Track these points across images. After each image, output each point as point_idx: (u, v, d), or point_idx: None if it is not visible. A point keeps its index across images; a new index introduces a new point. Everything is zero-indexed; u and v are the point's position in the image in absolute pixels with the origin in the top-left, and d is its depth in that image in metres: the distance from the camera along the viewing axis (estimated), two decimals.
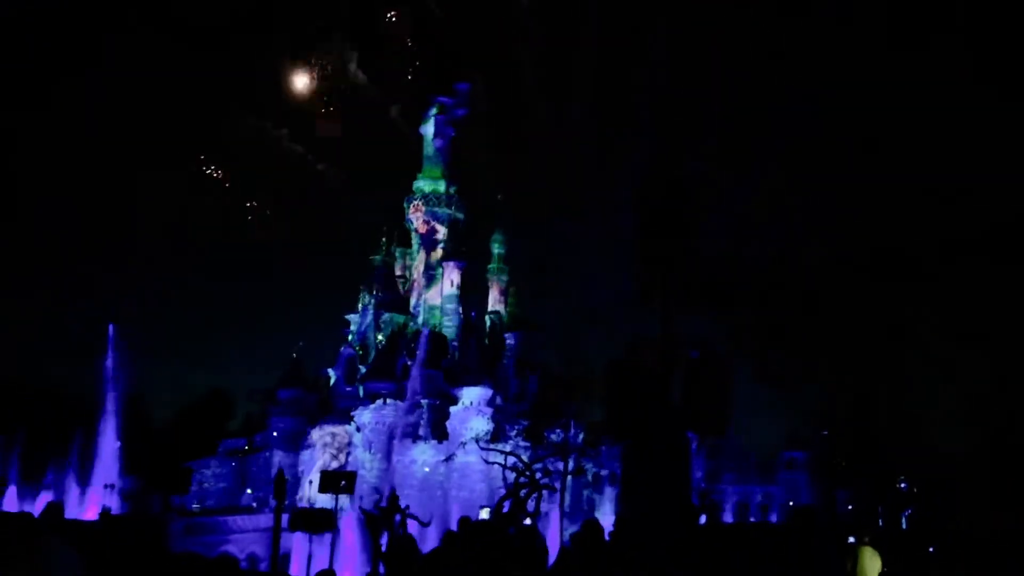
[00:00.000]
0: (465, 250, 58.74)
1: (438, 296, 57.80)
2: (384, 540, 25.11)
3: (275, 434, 53.25)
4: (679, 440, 13.44)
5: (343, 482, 22.39)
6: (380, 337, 56.53)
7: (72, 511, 39.92)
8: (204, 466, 53.11)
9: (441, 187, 58.97)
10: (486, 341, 57.80)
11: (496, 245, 61.14)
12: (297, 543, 37.79)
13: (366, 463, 49.39)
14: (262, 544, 43.16)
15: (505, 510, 30.13)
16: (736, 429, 50.96)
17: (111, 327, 47.78)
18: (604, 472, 50.69)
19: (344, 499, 29.67)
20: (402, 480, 49.04)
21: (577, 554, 8.93)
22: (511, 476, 37.99)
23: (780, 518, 50.22)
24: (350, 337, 57.65)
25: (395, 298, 58.20)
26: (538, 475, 37.73)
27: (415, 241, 59.19)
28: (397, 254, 59.85)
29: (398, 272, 59.53)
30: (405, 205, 59.29)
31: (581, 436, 49.39)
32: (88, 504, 44.10)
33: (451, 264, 57.68)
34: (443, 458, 49.99)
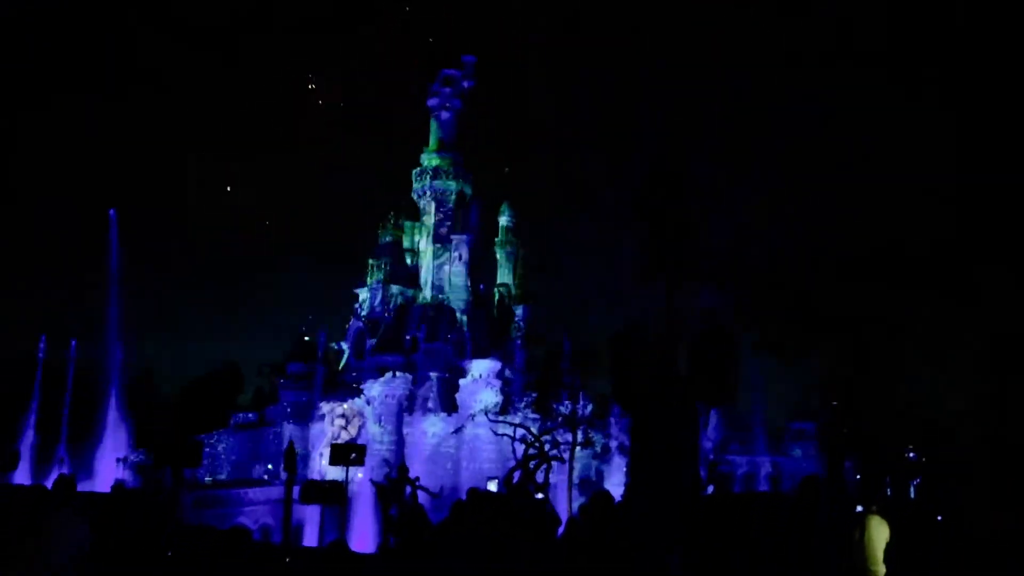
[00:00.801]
0: (473, 223, 58.68)
1: (446, 270, 57.85)
2: (394, 511, 25.32)
3: (285, 407, 53.58)
4: (687, 411, 13.45)
5: (353, 454, 22.56)
6: (389, 311, 56.67)
7: (84, 485, 40.29)
8: (215, 439, 53.50)
9: (448, 160, 58.82)
10: (494, 314, 57.91)
11: (504, 218, 61.07)
12: (309, 515, 38.17)
13: (376, 436, 49.69)
14: (274, 516, 43.58)
15: (514, 481, 30.32)
16: (743, 400, 51.10)
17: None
18: (613, 443, 50.91)
19: (354, 471, 29.87)
20: (412, 452, 49.37)
21: (586, 525, 8.97)
22: (520, 448, 38.22)
23: (788, 488, 50.41)
24: (358, 310, 57.81)
25: (403, 272, 58.28)
26: (547, 447, 37.91)
27: (423, 214, 59.14)
28: (405, 228, 59.83)
29: (406, 246, 59.55)
30: (412, 178, 59.21)
31: (589, 408, 49.56)
32: (100, 477, 44.52)
33: (459, 237, 57.67)
34: (452, 430, 50.28)
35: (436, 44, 58.92)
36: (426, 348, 53.66)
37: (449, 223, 58.10)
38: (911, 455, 48.90)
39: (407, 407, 51.67)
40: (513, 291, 59.16)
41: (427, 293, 57.58)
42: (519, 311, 57.80)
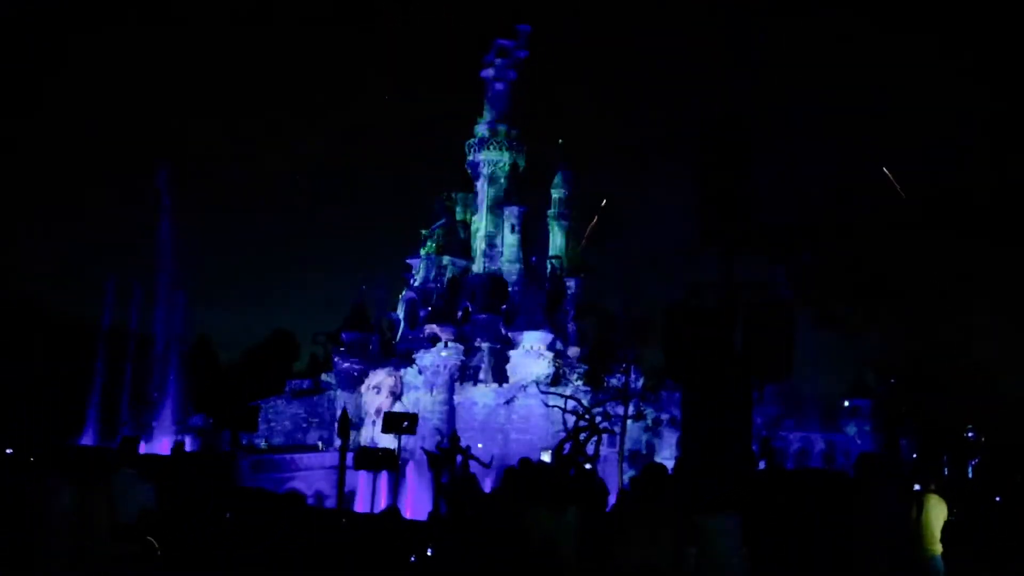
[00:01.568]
0: (526, 195, 58.55)
1: (499, 241, 57.89)
2: (445, 479, 25.60)
3: (339, 375, 54.33)
4: (740, 386, 13.32)
5: (405, 423, 22.84)
6: (441, 282, 56.97)
7: (146, 447, 41.40)
8: (271, 405, 54.50)
9: (502, 131, 58.63)
10: (547, 286, 57.87)
11: (557, 190, 60.81)
12: (362, 481, 38.76)
13: (427, 405, 50.17)
14: (328, 481, 44.35)
15: (564, 452, 30.42)
16: (798, 376, 50.45)
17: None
18: (664, 416, 50.74)
19: (407, 439, 30.24)
20: (463, 422, 49.78)
21: (637, 496, 8.97)
22: (571, 420, 38.29)
23: (841, 466, 49.84)
24: (411, 281, 58.20)
25: (456, 243, 58.44)
26: (598, 419, 37.90)
27: (476, 185, 59.15)
28: (458, 198, 59.92)
29: (459, 217, 59.67)
30: (466, 149, 59.18)
31: (641, 381, 49.41)
32: (161, 440, 45.70)
33: (512, 208, 57.60)
34: (503, 401, 50.53)
35: (491, 13, 58.67)
36: (477, 319, 53.88)
37: (502, 194, 58.04)
38: (970, 435, 47.95)
39: (458, 377, 52.04)
40: (565, 263, 59.00)
41: (479, 264, 57.73)
42: (571, 283, 57.64)
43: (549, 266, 59.19)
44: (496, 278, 56.23)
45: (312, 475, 47.82)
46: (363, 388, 53.81)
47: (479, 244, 58.36)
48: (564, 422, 39.50)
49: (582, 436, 34.64)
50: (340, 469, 25.04)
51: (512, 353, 52.02)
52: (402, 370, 53.01)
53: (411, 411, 35.90)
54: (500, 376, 52.16)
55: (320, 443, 51.93)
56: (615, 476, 38.32)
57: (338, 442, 30.20)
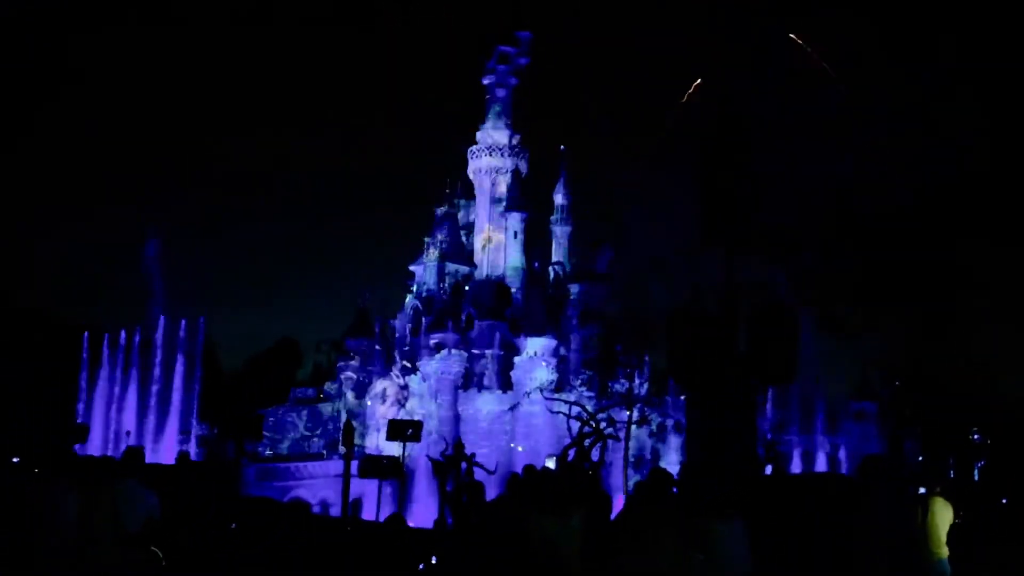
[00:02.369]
0: (528, 200, 58.58)
1: (501, 247, 57.92)
2: (451, 487, 25.56)
3: (343, 383, 54.34)
4: (745, 389, 13.30)
5: (410, 430, 22.79)
6: (444, 288, 56.98)
7: (150, 457, 41.41)
8: (275, 414, 54.53)
9: (504, 137, 58.71)
10: (550, 292, 57.85)
11: (559, 195, 60.83)
12: (367, 489, 38.72)
13: (431, 412, 50.15)
14: (333, 489, 44.32)
15: (570, 459, 30.38)
16: (803, 379, 50.36)
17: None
18: (669, 421, 50.65)
19: (411, 447, 30.21)
20: (467, 429, 49.76)
21: (643, 502, 8.95)
22: (576, 426, 38.23)
23: (848, 468, 49.72)
24: (414, 288, 58.23)
25: (459, 249, 58.48)
26: (602, 425, 37.83)
27: (478, 192, 59.20)
28: (460, 205, 59.97)
29: (462, 223, 59.71)
30: (468, 156, 59.26)
31: (645, 386, 49.32)
32: (165, 450, 45.72)
33: (514, 214, 57.63)
34: (508, 408, 50.49)
35: (492, 20, 58.75)
36: (481, 326, 53.89)
37: (504, 200, 58.10)
38: (976, 437, 47.82)
39: (462, 384, 52.04)
40: (568, 268, 59.01)
41: (482, 270, 57.75)
42: (574, 288, 57.63)
43: (552, 272, 59.20)
44: (499, 284, 56.24)
45: (316, 483, 47.81)
46: (367, 396, 53.81)
47: (482, 250, 58.39)
48: (569, 428, 39.45)
49: (587, 442, 34.60)
50: (345, 477, 25.00)
51: (516, 359, 52.02)
52: (406, 377, 53.01)
53: (415, 418, 35.89)
54: (504, 383, 52.14)
55: (324, 451, 51.93)
56: (620, 482, 38.26)
57: (343, 450, 30.17)
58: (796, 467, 51.51)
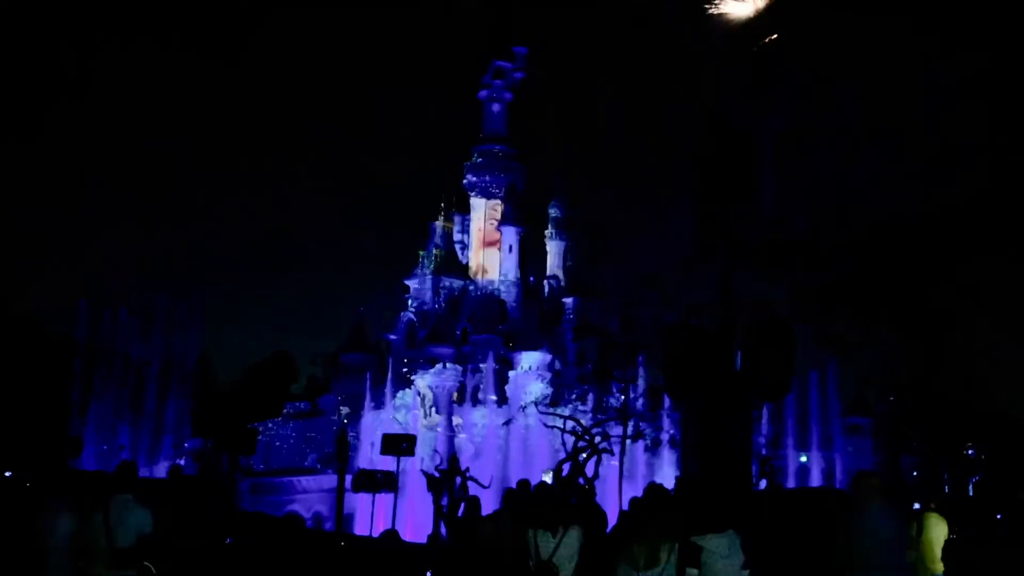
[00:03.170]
0: (523, 214, 58.67)
1: (496, 261, 57.96)
2: (445, 501, 25.48)
3: (337, 397, 54.21)
4: (739, 405, 13.31)
5: (404, 444, 22.78)
6: (439, 302, 56.98)
7: (143, 471, 41.24)
8: (269, 428, 54.34)
9: (499, 152, 58.85)
10: (545, 306, 57.87)
11: (554, 209, 60.93)
12: (361, 503, 38.60)
13: (426, 426, 50.04)
14: (327, 504, 44.18)
15: (564, 473, 30.30)
16: (798, 394, 50.39)
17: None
18: (664, 436, 50.58)
19: (405, 461, 30.14)
20: (462, 443, 49.64)
21: (637, 517, 8.95)
22: (570, 440, 38.12)
23: (843, 484, 49.67)
24: (410, 302, 58.20)
25: (454, 263, 58.52)
26: (597, 439, 37.77)
27: (473, 206, 59.29)
28: (456, 219, 60.05)
29: (457, 237, 59.77)
30: (464, 170, 59.37)
31: (640, 400, 49.26)
32: (159, 464, 45.53)
33: (509, 228, 57.72)
34: (502, 422, 50.41)
35: (488, 34, 59.00)
36: (476, 340, 53.86)
37: (499, 214, 58.18)
38: (970, 452, 47.84)
39: (457, 398, 51.94)
40: (563, 283, 59.06)
41: (477, 284, 57.78)
42: (569, 303, 57.66)
43: (547, 286, 59.23)
44: (494, 298, 56.25)
45: (310, 498, 47.62)
46: (362, 410, 53.68)
47: (477, 264, 58.43)
48: (564, 443, 39.34)
49: (581, 457, 34.49)
50: (339, 492, 24.94)
51: (511, 373, 51.97)
52: (401, 391, 52.91)
53: (410, 432, 35.78)
54: (499, 397, 52.07)
55: (319, 465, 51.75)
56: (615, 496, 38.15)
57: (337, 464, 30.09)
58: (791, 482, 51.45)
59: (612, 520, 13.52)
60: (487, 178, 58.38)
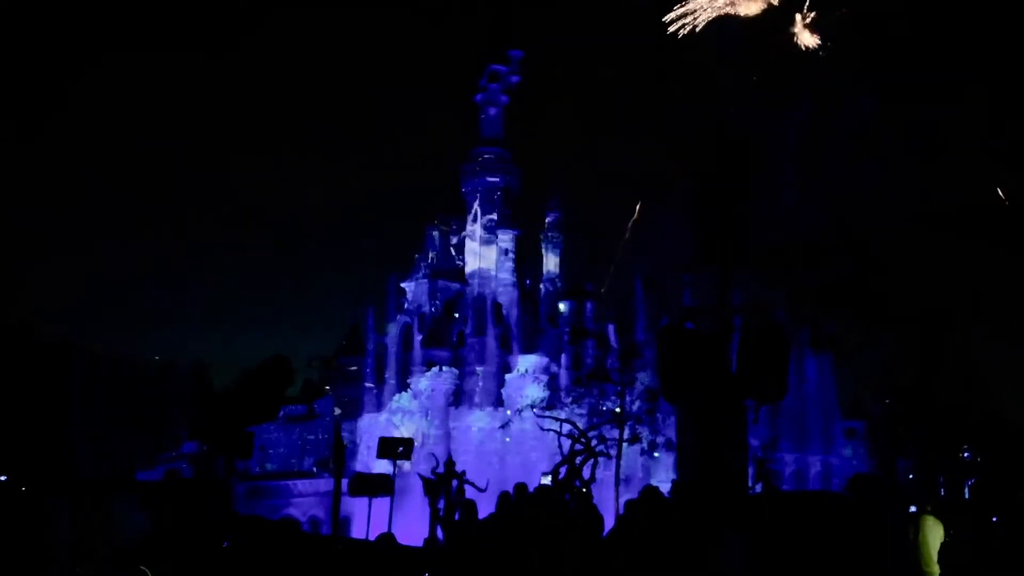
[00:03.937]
0: (519, 218, 58.78)
1: (493, 264, 57.97)
2: (441, 505, 25.45)
3: (333, 400, 54.20)
4: (735, 407, 13.33)
5: (400, 448, 22.75)
6: (435, 305, 56.98)
7: (140, 474, 41.16)
8: (265, 431, 54.29)
9: (495, 155, 58.91)
10: (541, 309, 57.89)
11: (550, 213, 60.98)
12: (357, 507, 38.54)
13: (423, 430, 50.01)
14: (323, 508, 44.12)
15: (560, 476, 30.30)
16: (794, 397, 50.45)
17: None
18: (660, 439, 50.58)
19: (402, 464, 30.10)
20: (458, 447, 49.60)
21: (633, 520, 8.96)
22: (567, 444, 38.11)
23: (839, 487, 49.70)
24: (406, 306, 58.19)
25: (450, 266, 58.53)
26: (594, 442, 37.77)
27: (470, 209, 59.32)
28: (452, 223, 60.06)
29: (453, 240, 59.79)
30: (460, 173, 59.41)
31: (637, 403, 49.26)
32: (155, 467, 45.43)
33: (506, 232, 57.77)
34: (499, 425, 50.38)
35: (487, 36, 59.05)
36: (472, 343, 53.86)
37: (496, 218, 58.22)
38: (966, 455, 47.93)
39: (453, 401, 51.92)
40: (559, 286, 59.10)
41: (474, 288, 57.79)
42: (565, 306, 57.70)
43: (543, 289, 59.26)
44: (491, 301, 56.25)
45: (306, 501, 47.54)
46: (358, 413, 53.65)
47: (473, 267, 58.44)
48: (560, 446, 39.32)
49: (578, 460, 34.46)
50: (335, 495, 24.89)
51: (507, 377, 51.96)
52: (397, 395, 52.88)
53: (406, 436, 35.74)
54: (496, 400, 52.05)
55: (315, 469, 51.70)
56: (611, 499, 38.14)
57: (333, 468, 30.09)
58: (787, 485, 51.48)
59: (609, 523, 13.53)
60: (483, 181, 58.43)
